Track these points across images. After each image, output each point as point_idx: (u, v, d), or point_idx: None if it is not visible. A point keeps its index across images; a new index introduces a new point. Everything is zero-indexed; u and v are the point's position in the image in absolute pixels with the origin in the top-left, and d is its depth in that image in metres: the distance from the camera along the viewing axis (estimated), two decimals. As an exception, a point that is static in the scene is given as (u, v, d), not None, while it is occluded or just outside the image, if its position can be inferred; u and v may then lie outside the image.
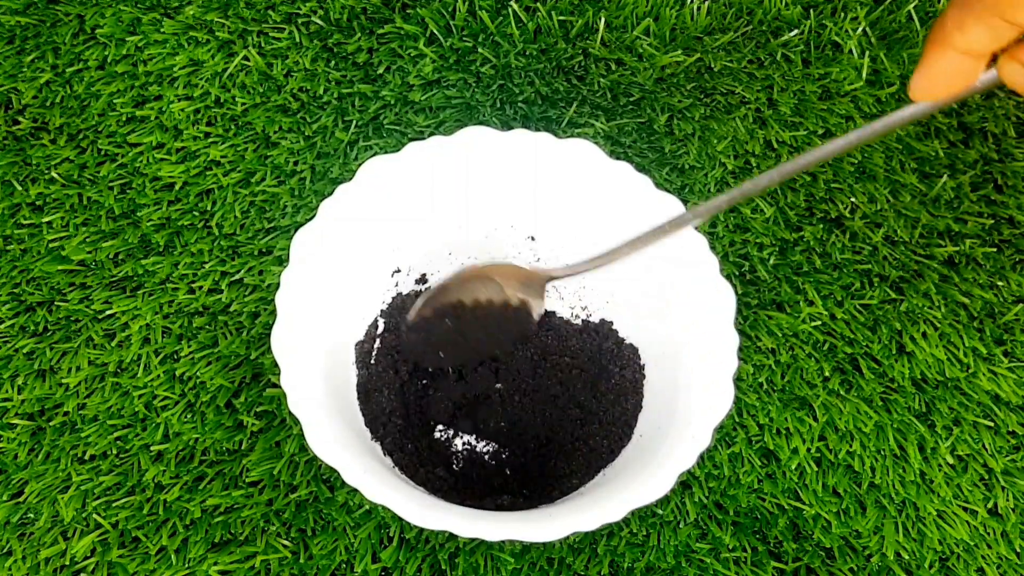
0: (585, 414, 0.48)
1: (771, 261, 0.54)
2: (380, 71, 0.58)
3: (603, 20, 0.59)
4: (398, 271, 0.50)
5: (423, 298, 0.48)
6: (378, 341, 0.49)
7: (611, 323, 0.50)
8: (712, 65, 0.59)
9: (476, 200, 0.48)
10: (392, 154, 0.45)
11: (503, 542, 0.47)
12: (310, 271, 0.43)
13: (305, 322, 0.42)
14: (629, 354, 0.49)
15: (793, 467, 0.49)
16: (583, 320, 0.51)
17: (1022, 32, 0.32)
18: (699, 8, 0.60)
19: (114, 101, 0.57)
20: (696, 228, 0.43)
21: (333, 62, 0.59)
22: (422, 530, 0.47)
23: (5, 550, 0.47)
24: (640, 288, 0.48)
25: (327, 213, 0.44)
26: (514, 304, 0.47)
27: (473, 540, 0.47)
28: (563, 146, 0.45)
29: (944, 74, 0.34)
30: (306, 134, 0.56)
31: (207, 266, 0.53)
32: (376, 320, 0.49)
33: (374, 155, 0.55)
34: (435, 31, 0.59)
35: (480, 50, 0.59)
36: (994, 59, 0.34)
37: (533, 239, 0.50)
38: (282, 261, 0.52)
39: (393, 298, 0.50)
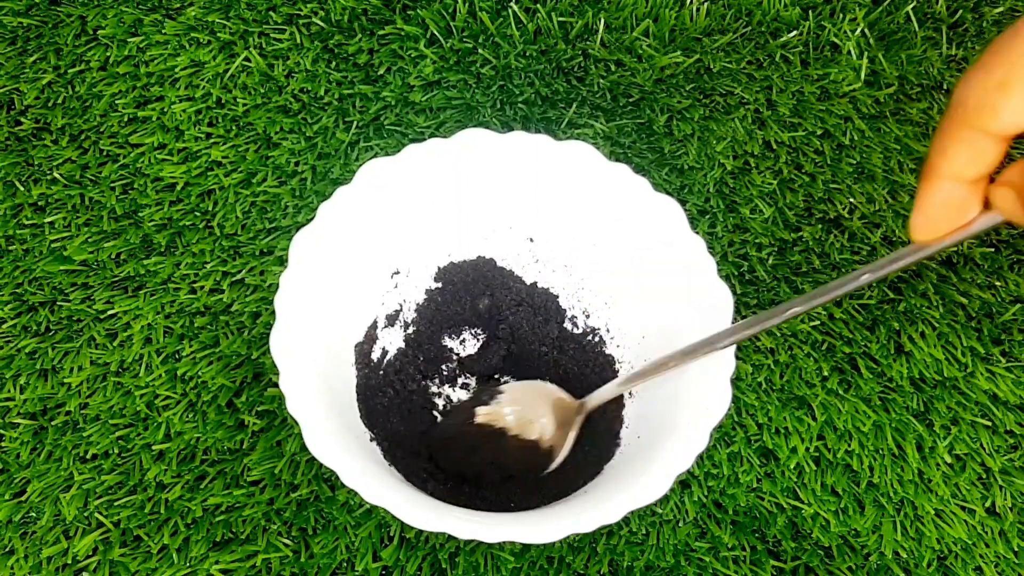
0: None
1: (770, 261, 0.54)
2: (381, 72, 0.58)
3: (603, 21, 0.59)
4: (397, 272, 0.50)
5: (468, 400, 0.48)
6: (378, 343, 0.49)
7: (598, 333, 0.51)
8: (711, 66, 0.59)
9: (474, 202, 0.48)
10: (390, 156, 0.45)
11: (502, 542, 0.47)
12: (309, 273, 0.43)
13: (304, 324, 0.42)
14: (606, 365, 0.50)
15: (792, 466, 0.49)
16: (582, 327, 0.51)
17: (1004, 145, 0.31)
18: (698, 9, 0.60)
19: (116, 102, 0.58)
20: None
21: (334, 63, 0.59)
22: (422, 529, 0.47)
23: (7, 549, 0.47)
24: (639, 289, 0.48)
25: (325, 215, 0.44)
26: (543, 447, 0.47)
27: (472, 540, 0.47)
28: (561, 148, 0.45)
29: (940, 208, 0.32)
30: (307, 135, 0.57)
31: (208, 266, 0.53)
32: (375, 321, 0.50)
33: (375, 156, 0.55)
34: (435, 32, 0.59)
35: (480, 51, 0.59)
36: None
37: (532, 241, 0.51)
38: (283, 261, 0.52)
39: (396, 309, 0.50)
